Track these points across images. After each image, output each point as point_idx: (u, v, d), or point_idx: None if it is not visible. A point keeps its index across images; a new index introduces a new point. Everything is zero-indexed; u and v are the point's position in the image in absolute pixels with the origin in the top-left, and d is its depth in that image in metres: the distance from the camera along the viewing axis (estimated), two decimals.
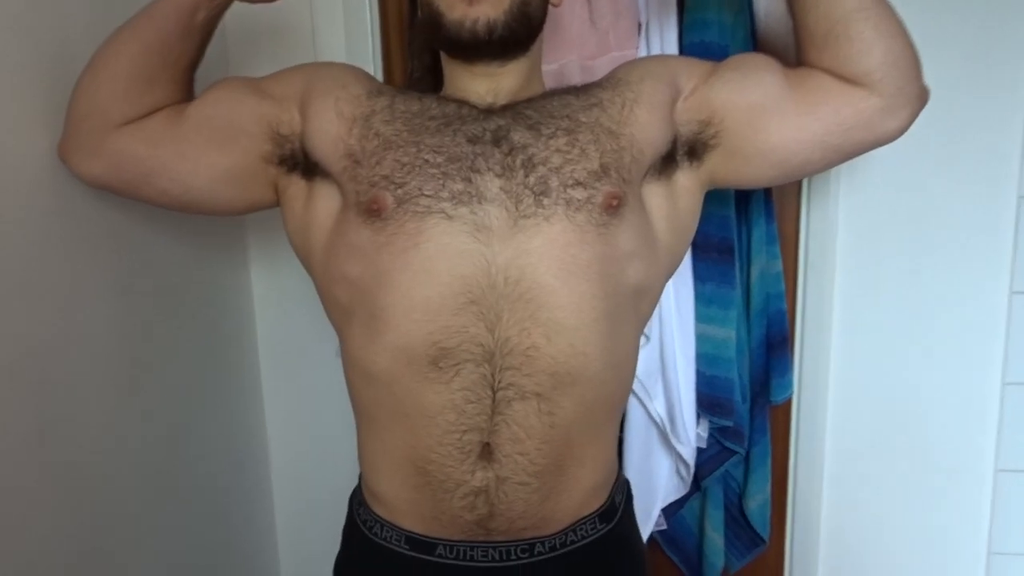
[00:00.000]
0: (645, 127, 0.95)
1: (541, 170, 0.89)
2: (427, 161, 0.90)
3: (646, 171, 0.96)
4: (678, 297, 1.34)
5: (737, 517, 1.50)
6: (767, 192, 1.41)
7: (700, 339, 1.37)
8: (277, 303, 1.58)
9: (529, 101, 0.96)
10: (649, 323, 1.34)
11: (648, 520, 1.43)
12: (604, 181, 0.90)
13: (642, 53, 1.30)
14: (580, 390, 0.90)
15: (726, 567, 1.51)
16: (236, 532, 1.57)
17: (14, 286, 0.97)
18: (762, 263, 1.41)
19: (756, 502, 1.46)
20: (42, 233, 1.01)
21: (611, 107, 0.95)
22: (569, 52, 1.29)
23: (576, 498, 0.96)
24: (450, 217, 0.87)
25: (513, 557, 0.94)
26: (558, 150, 0.91)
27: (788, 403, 1.53)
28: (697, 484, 1.45)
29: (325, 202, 0.97)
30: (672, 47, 1.30)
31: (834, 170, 1.43)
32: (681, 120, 0.98)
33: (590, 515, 0.98)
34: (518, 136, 0.91)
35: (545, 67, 1.26)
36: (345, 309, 0.96)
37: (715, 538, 1.46)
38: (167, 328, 1.28)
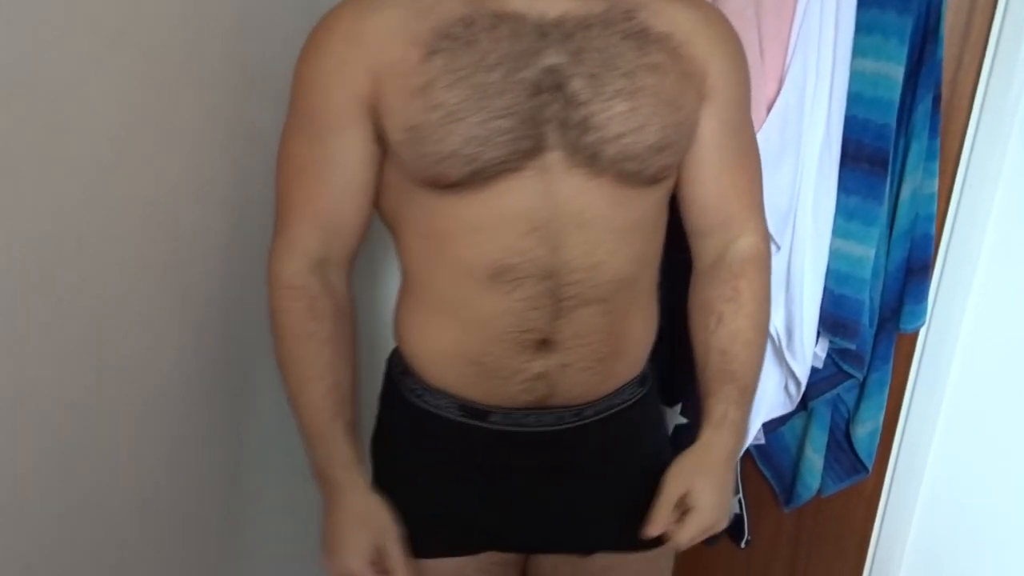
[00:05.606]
0: (696, 107, 0.93)
1: (595, 135, 0.87)
2: (498, 129, 0.84)
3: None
4: (816, 208, 1.24)
5: (841, 441, 1.44)
6: (935, 102, 1.28)
7: (835, 255, 1.28)
8: None
9: (587, 27, 0.88)
10: (782, 231, 1.25)
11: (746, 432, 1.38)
12: (660, 156, 0.90)
13: None
14: (635, 287, 0.96)
15: (820, 489, 1.47)
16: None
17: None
18: (916, 180, 1.29)
19: (866, 429, 1.40)
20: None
21: (669, 75, 0.90)
22: None
23: (626, 370, 1.01)
24: (517, 169, 0.86)
25: (564, 422, 0.97)
26: (616, 116, 0.87)
27: (914, 332, 1.44)
28: (804, 403, 1.40)
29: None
30: None
31: (1015, 89, 1.28)
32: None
33: (631, 379, 1.02)
34: (577, 85, 0.86)
35: None
36: (400, 223, 0.95)
37: (814, 459, 1.42)
38: None
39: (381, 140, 0.90)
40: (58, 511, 1.00)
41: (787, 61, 1.19)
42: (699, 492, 0.93)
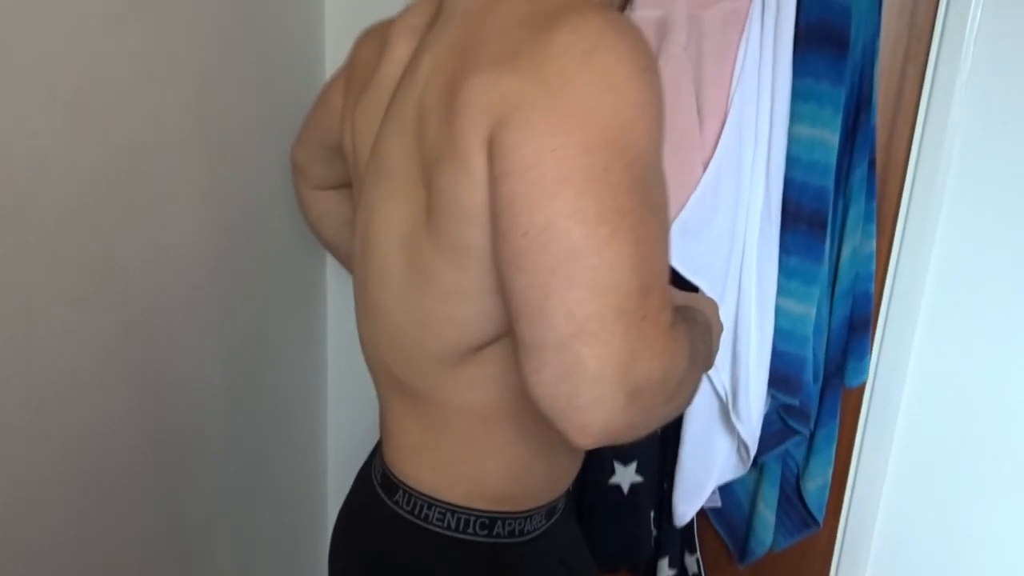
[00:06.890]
0: None
1: None
2: None
3: None
4: (761, 271, 1.28)
5: (791, 496, 1.46)
6: (871, 167, 1.33)
7: (777, 312, 1.31)
8: None
9: None
10: (719, 292, 1.28)
11: (699, 495, 1.39)
12: None
13: (756, 6, 1.22)
14: None
15: (772, 545, 1.48)
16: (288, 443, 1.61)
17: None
18: (855, 241, 1.34)
19: (816, 484, 1.42)
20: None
21: None
22: None
23: None
24: None
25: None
26: None
27: (861, 387, 1.48)
28: (754, 459, 1.42)
29: None
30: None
31: (946, 153, 1.34)
32: None
33: None
34: None
35: (645, 13, 1.20)
36: None
37: (766, 515, 1.43)
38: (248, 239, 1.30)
39: None
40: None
41: (722, 129, 1.24)
42: None
